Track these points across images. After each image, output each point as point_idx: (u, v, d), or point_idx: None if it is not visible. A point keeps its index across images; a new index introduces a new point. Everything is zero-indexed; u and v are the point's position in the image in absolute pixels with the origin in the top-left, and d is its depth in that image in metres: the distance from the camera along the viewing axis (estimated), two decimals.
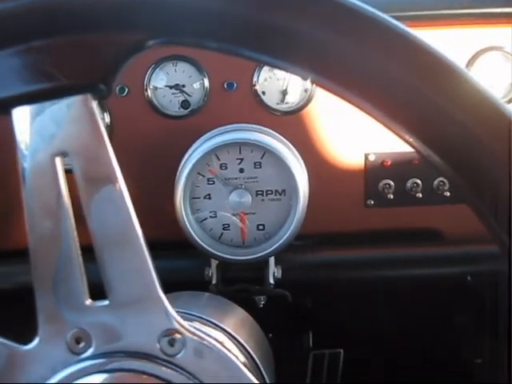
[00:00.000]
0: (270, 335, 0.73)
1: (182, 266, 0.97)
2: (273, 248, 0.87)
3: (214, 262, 0.92)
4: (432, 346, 1.18)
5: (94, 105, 0.35)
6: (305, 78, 0.34)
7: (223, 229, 0.88)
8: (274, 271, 0.92)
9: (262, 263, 0.91)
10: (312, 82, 0.35)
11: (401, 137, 0.33)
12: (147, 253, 0.37)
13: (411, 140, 0.33)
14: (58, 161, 0.36)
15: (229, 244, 0.88)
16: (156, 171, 0.96)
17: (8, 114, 0.36)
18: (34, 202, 0.36)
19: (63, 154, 0.36)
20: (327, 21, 0.32)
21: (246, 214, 0.88)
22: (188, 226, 0.85)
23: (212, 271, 0.91)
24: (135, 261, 0.37)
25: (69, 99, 0.35)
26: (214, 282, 0.91)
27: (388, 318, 1.15)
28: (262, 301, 0.92)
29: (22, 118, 0.36)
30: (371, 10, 0.31)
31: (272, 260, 0.92)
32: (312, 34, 0.32)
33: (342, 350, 1.19)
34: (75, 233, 0.37)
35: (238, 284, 0.92)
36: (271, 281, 0.91)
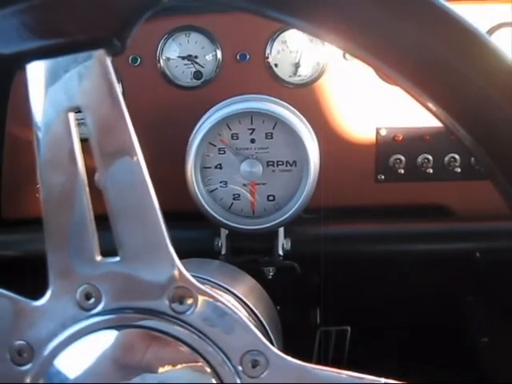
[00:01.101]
0: (278, 307, 0.74)
1: (192, 236, 0.97)
2: (282, 218, 0.87)
3: (224, 233, 0.92)
4: (439, 323, 1.19)
5: (109, 61, 0.35)
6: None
7: (233, 199, 0.88)
8: (283, 243, 0.92)
9: (272, 234, 0.92)
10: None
11: (428, 108, 0.33)
12: (159, 212, 0.37)
13: (436, 110, 0.32)
14: (72, 116, 0.36)
15: (239, 214, 0.89)
16: (167, 141, 0.96)
17: (23, 68, 0.36)
18: (46, 157, 0.37)
19: (77, 109, 0.36)
20: None
21: (257, 184, 0.88)
22: (199, 195, 0.86)
23: (221, 241, 0.92)
24: (146, 218, 0.37)
25: (83, 54, 0.35)
26: (223, 252, 0.92)
27: (395, 293, 1.15)
28: (270, 272, 0.92)
29: (36, 73, 0.36)
30: None
31: (281, 231, 0.92)
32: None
33: (349, 328, 1.20)
34: (87, 188, 0.37)
35: (247, 255, 0.92)
36: (280, 252, 0.92)
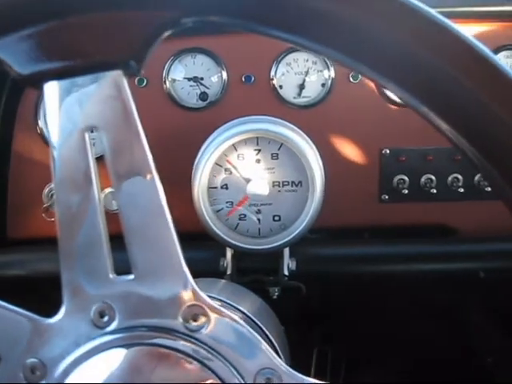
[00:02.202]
0: (283, 328, 0.74)
1: (197, 256, 0.97)
2: (288, 239, 0.88)
3: (230, 252, 0.92)
4: (443, 343, 1.18)
5: (125, 82, 0.36)
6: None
7: (239, 219, 0.89)
8: (288, 263, 0.92)
9: (277, 254, 0.92)
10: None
11: (439, 129, 0.33)
12: (174, 231, 0.37)
13: (448, 130, 0.33)
14: (87, 136, 0.37)
15: (245, 234, 0.89)
16: (174, 162, 0.97)
17: (40, 88, 0.36)
18: (62, 175, 0.37)
19: (93, 129, 0.37)
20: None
21: (263, 204, 0.89)
22: (205, 215, 0.86)
23: (227, 261, 0.92)
24: (161, 237, 0.37)
25: (100, 75, 0.36)
26: (228, 272, 0.92)
27: (399, 313, 1.15)
28: (276, 292, 0.92)
29: (53, 92, 0.36)
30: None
31: (287, 251, 0.92)
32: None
33: (345, 348, 1.19)
34: (102, 207, 0.38)
35: (252, 275, 0.92)
36: (285, 272, 0.92)
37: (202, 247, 0.97)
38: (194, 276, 0.67)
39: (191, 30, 1.01)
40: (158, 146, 0.96)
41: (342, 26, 0.32)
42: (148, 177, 0.36)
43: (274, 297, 0.92)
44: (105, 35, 0.34)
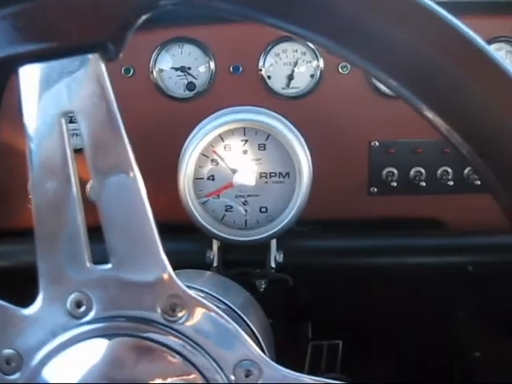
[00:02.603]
0: (270, 321, 0.73)
1: (183, 248, 0.96)
2: (275, 230, 0.87)
3: (216, 245, 0.91)
4: (431, 337, 1.18)
5: (103, 65, 0.35)
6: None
7: (225, 210, 0.88)
8: (275, 255, 0.91)
9: (264, 247, 0.91)
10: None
11: (430, 120, 0.32)
12: (152, 219, 0.36)
13: (438, 122, 0.32)
14: (64, 121, 0.36)
15: (231, 226, 0.88)
16: (160, 153, 0.96)
17: (15, 72, 0.35)
18: (38, 161, 0.36)
19: (70, 114, 0.36)
20: None
21: (249, 195, 0.88)
22: (191, 206, 0.85)
23: (213, 254, 0.91)
24: (139, 225, 0.36)
25: (77, 58, 0.35)
26: (215, 264, 0.91)
27: (387, 307, 1.14)
28: (262, 285, 0.92)
29: (28, 77, 0.35)
30: None
31: (274, 243, 0.91)
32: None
33: (340, 342, 1.19)
34: (79, 194, 0.37)
35: (239, 267, 0.91)
36: (272, 264, 0.91)
37: (188, 240, 0.96)
38: (180, 268, 0.67)
39: (178, 19, 1.00)
40: (144, 136, 0.96)
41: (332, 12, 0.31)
42: (126, 165, 0.35)
43: (261, 289, 0.92)
44: (81, 17, 0.34)
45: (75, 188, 0.36)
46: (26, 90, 0.35)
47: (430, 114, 0.32)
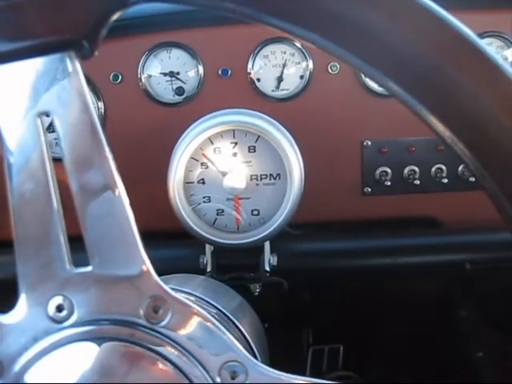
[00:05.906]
0: (266, 325, 0.72)
1: (177, 254, 0.95)
2: (267, 232, 0.86)
3: (209, 250, 0.90)
4: (432, 337, 1.17)
5: (78, 63, 0.34)
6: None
7: (217, 214, 0.87)
8: (269, 258, 0.90)
9: (258, 250, 0.90)
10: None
11: (424, 120, 0.32)
12: (132, 219, 0.36)
13: (433, 121, 0.31)
14: (40, 121, 0.35)
15: (223, 229, 0.87)
16: (150, 158, 0.95)
17: None
18: (14, 163, 0.35)
19: (45, 114, 0.35)
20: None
21: (241, 198, 0.87)
22: (182, 211, 0.84)
23: (207, 259, 0.90)
24: (120, 226, 0.36)
25: (51, 57, 0.34)
26: (208, 269, 0.90)
27: (384, 308, 1.14)
28: (257, 288, 0.91)
29: (3, 76, 0.35)
30: None
31: (267, 247, 0.91)
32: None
33: (341, 346, 1.18)
34: (58, 196, 0.36)
35: (233, 271, 0.90)
36: (267, 268, 0.90)
37: (181, 245, 0.96)
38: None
39: (165, 22, 0.99)
40: (134, 143, 0.96)
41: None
42: (104, 169, 0.35)
43: (256, 293, 0.91)
44: (54, 15, 0.33)
45: (52, 189, 0.36)
46: (1, 89, 0.35)
47: (431, 119, 0.31)
